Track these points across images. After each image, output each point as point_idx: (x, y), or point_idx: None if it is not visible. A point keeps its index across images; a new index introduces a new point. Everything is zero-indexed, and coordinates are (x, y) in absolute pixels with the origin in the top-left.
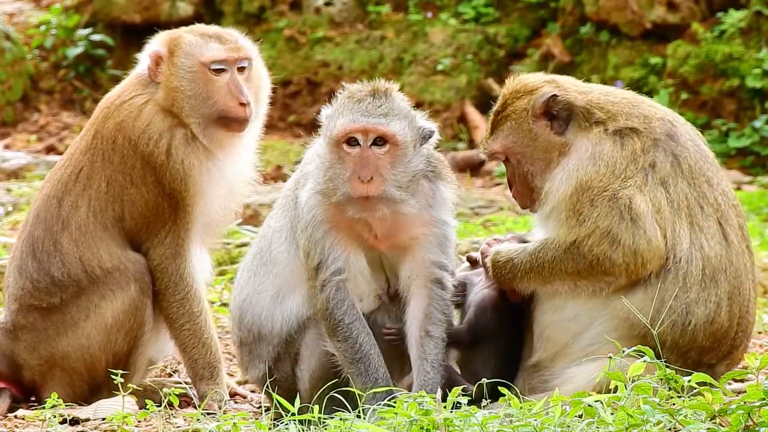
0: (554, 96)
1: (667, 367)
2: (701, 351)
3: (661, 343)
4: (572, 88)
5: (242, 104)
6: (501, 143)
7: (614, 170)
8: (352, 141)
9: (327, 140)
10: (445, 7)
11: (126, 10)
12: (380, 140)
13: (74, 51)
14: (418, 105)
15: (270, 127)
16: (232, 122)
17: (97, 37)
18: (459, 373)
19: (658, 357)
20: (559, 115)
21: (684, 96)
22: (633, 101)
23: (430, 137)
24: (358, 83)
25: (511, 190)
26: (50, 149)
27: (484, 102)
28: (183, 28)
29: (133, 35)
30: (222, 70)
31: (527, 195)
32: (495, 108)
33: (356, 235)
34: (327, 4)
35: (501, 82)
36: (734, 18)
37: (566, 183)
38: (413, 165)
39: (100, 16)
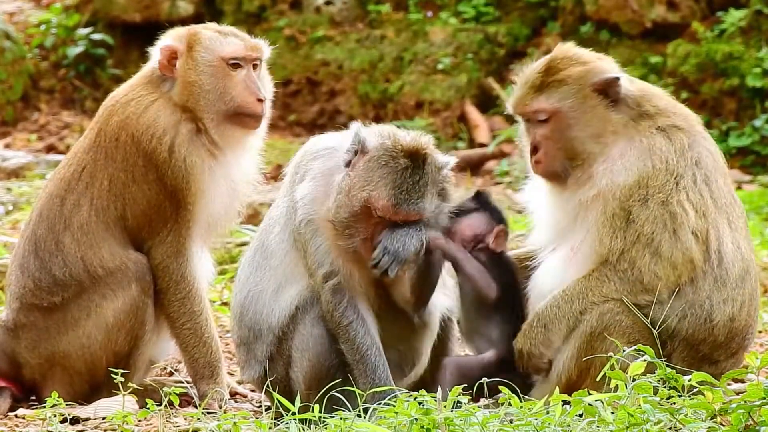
0: (618, 78)
1: (668, 365)
2: (714, 346)
3: (675, 334)
4: (622, 73)
5: (260, 100)
6: (554, 104)
7: (668, 166)
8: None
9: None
10: (445, 6)
11: (126, 10)
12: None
13: (74, 50)
14: (419, 104)
15: (270, 126)
16: (247, 118)
17: (97, 37)
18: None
19: (659, 355)
20: (610, 96)
21: (684, 95)
22: (670, 98)
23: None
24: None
25: (534, 154)
26: (50, 148)
27: (484, 101)
28: (198, 25)
29: (134, 34)
30: (238, 66)
31: (560, 160)
32: (541, 68)
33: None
34: (327, 3)
35: (501, 81)
36: (734, 17)
37: (628, 173)
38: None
39: (100, 15)
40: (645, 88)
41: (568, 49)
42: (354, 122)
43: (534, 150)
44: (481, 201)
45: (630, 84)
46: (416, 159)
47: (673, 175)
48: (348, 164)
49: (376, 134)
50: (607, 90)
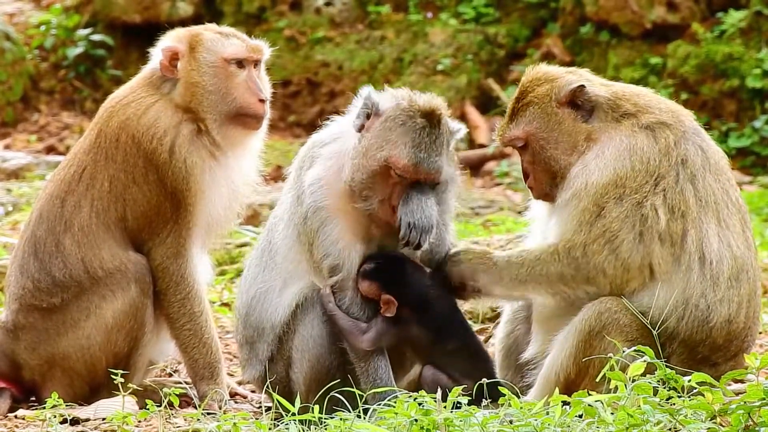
0: (581, 86)
1: (667, 366)
2: (712, 348)
3: (674, 336)
4: (595, 80)
5: (261, 101)
6: (523, 129)
7: (648, 167)
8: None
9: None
10: (445, 7)
11: (126, 10)
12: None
13: (74, 51)
14: None
15: (270, 127)
16: (249, 119)
17: (97, 37)
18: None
19: (658, 354)
20: (583, 106)
21: (684, 96)
22: (655, 95)
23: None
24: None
25: (526, 180)
26: (50, 149)
27: (484, 102)
28: (198, 27)
29: (133, 35)
30: (240, 67)
31: (547, 182)
32: (514, 96)
33: (358, 224)
34: (327, 4)
35: (501, 82)
36: (734, 18)
37: (601, 172)
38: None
39: (100, 16)
40: (622, 89)
41: (537, 70)
42: (365, 87)
43: (526, 176)
44: (376, 268)
45: (603, 88)
46: (432, 119)
47: (653, 176)
48: (360, 128)
49: (389, 96)
50: (575, 100)
